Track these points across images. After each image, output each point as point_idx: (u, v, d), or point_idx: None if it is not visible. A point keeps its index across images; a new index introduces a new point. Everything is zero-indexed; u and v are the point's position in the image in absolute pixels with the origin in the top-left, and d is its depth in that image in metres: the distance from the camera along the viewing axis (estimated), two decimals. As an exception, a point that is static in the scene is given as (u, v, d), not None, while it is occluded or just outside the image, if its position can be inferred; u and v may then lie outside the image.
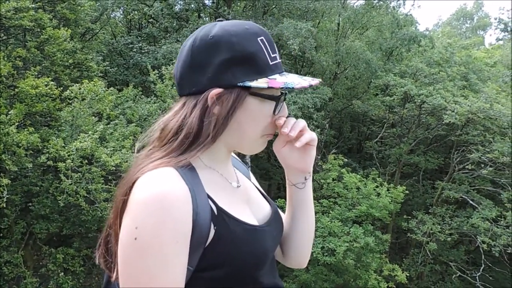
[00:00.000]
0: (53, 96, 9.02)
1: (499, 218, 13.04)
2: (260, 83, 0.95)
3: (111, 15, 16.42)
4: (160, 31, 14.68)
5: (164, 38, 13.90)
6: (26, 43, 9.83)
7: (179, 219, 0.84)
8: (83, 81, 9.41)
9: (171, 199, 0.85)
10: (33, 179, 9.09)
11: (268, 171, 17.92)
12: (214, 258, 0.92)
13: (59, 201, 8.26)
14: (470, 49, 19.77)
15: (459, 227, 13.67)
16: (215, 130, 0.97)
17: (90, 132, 8.61)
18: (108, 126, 9.54)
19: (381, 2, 16.43)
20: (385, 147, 16.96)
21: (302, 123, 1.08)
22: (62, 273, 9.56)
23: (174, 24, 14.68)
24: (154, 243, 0.82)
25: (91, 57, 11.66)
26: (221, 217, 0.94)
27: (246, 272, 0.96)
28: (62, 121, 9.35)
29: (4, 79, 8.98)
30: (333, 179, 13.04)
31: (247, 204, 1.10)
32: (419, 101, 14.58)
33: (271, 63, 0.99)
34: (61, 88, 9.29)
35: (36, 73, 9.11)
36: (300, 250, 1.26)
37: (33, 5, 9.57)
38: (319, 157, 15.81)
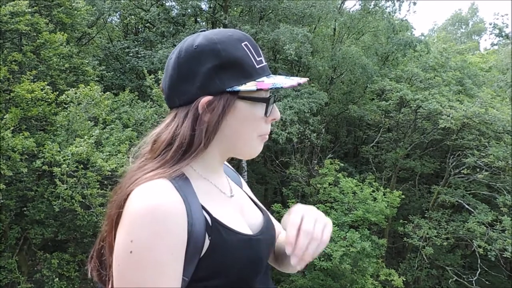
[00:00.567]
0: (49, 100, 9.00)
1: (495, 223, 13.07)
2: (249, 86, 0.97)
3: (108, 20, 16.41)
4: (156, 36, 14.68)
5: (161, 43, 13.90)
6: (22, 47, 9.81)
7: (174, 232, 0.85)
8: (79, 86, 9.39)
9: (166, 211, 0.85)
10: (28, 183, 9.05)
11: (264, 176, 17.91)
12: (209, 268, 0.92)
13: (54, 206, 8.21)
14: (465, 54, 19.94)
15: (455, 232, 13.69)
16: (207, 136, 0.98)
17: (86, 137, 8.57)
18: (104, 130, 9.51)
19: (377, 8, 16.51)
20: (381, 151, 16.99)
21: (312, 244, 0.96)
22: (57, 279, 9.48)
23: (171, 29, 14.69)
24: (150, 256, 0.83)
25: (87, 61, 11.64)
26: (216, 227, 0.94)
27: (241, 281, 0.96)
28: (58, 125, 9.31)
29: (0, 83, 8.95)
30: (330, 184, 13.05)
31: (241, 213, 1.10)
32: (414, 105, 14.63)
33: (257, 66, 1.01)
34: (57, 93, 9.27)
35: (32, 77, 9.09)
36: None
37: (29, 10, 9.55)
38: (316, 161, 15.81)
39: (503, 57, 23.54)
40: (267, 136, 1.07)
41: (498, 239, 12.43)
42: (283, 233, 1.25)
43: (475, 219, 13.19)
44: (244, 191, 1.26)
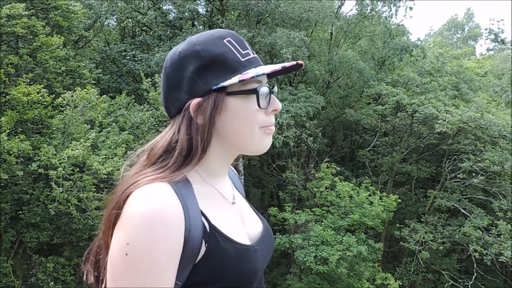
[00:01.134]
0: (45, 103, 8.97)
1: (490, 227, 13.10)
2: (232, 80, 0.97)
3: (105, 23, 16.40)
4: (153, 39, 14.68)
5: (158, 46, 13.90)
6: (19, 50, 9.79)
7: (171, 237, 0.85)
8: (75, 89, 9.37)
9: (164, 216, 0.85)
10: (23, 187, 9.00)
11: (261, 179, 17.91)
12: (204, 275, 0.92)
13: (50, 209, 8.17)
14: (461, 59, 20.06)
15: (451, 236, 13.71)
16: (203, 138, 0.98)
17: (82, 140, 8.55)
18: (101, 133, 9.49)
19: (374, 12, 16.59)
20: (377, 155, 17.03)
21: None
22: (52, 282, 9.41)
23: (168, 32, 14.70)
24: (145, 259, 0.83)
25: (84, 64, 11.62)
26: (213, 235, 0.94)
27: None
28: (54, 128, 9.28)
29: (-4, 86, 8.93)
30: (326, 188, 13.06)
31: (241, 221, 1.09)
32: (411, 110, 14.69)
33: (243, 60, 1.00)
34: (53, 96, 9.24)
35: (28, 80, 9.07)
36: None
37: (26, 12, 9.55)
38: (312, 165, 15.83)
39: (499, 62, 23.69)
40: (273, 128, 1.06)
41: (494, 244, 12.46)
42: None
43: (471, 223, 13.22)
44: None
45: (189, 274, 0.91)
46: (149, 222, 0.84)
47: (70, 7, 11.25)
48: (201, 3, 15.38)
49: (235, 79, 0.96)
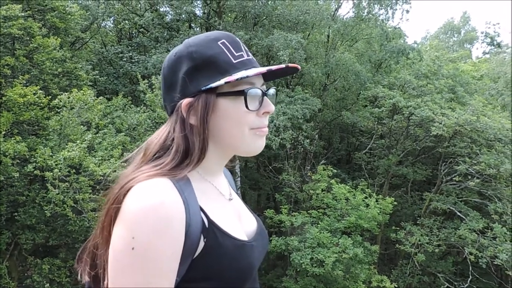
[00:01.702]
0: (41, 105, 8.95)
1: (486, 230, 13.14)
2: (220, 81, 0.97)
3: (102, 24, 16.38)
4: (150, 41, 14.68)
5: (155, 48, 13.90)
6: (15, 52, 9.76)
7: (174, 231, 0.86)
8: (72, 90, 9.35)
9: (168, 209, 0.86)
10: (19, 188, 8.96)
11: (257, 182, 17.90)
12: (201, 270, 0.93)
13: (46, 211, 8.15)
14: (457, 62, 20.15)
15: (446, 239, 13.75)
16: (200, 141, 0.99)
17: (78, 141, 8.53)
18: (97, 135, 9.46)
19: (370, 15, 16.65)
20: (374, 158, 17.06)
21: None
22: (48, 284, 9.38)
23: (165, 34, 14.71)
24: (151, 253, 0.84)
25: (80, 66, 11.60)
26: (212, 230, 0.95)
27: (231, 286, 0.97)
28: (50, 130, 9.26)
29: (-8, 87, 8.90)
30: (322, 190, 13.07)
31: (238, 218, 1.11)
32: (407, 113, 14.73)
33: (235, 61, 1.01)
34: (50, 97, 9.22)
35: (25, 82, 9.04)
36: None
37: (23, 14, 9.52)
38: (309, 167, 15.84)
39: (495, 65, 23.81)
40: (265, 130, 1.06)
41: (489, 246, 12.50)
42: None
43: (467, 226, 13.26)
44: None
45: (187, 269, 0.92)
46: (152, 216, 0.84)
47: (67, 9, 11.24)
48: (198, 5, 15.40)
49: (222, 81, 0.97)
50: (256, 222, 1.19)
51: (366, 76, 15.71)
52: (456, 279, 14.57)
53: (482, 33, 24.79)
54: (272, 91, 1.09)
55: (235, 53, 1.02)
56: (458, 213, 14.09)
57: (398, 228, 14.53)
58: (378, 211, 12.24)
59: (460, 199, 14.71)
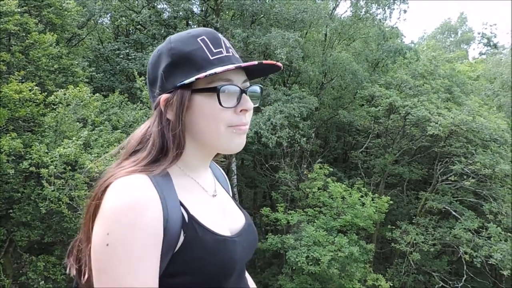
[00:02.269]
0: (37, 101, 8.90)
1: (481, 229, 13.22)
2: (191, 78, 0.97)
3: (98, 21, 16.30)
4: (147, 38, 14.63)
5: (152, 45, 13.85)
6: (11, 47, 9.70)
7: (149, 224, 0.86)
8: (68, 87, 9.29)
9: (141, 205, 0.87)
10: (14, 185, 8.92)
11: (254, 179, 17.91)
12: (182, 264, 0.94)
13: (41, 208, 8.11)
14: (454, 62, 20.20)
15: (442, 238, 13.81)
16: (175, 137, 1.00)
17: (74, 138, 8.49)
18: (93, 132, 9.43)
19: (368, 15, 16.66)
20: (370, 157, 17.10)
21: None
22: (43, 282, 9.35)
23: (162, 31, 14.64)
24: (125, 249, 0.84)
25: (77, 62, 11.54)
26: (192, 225, 0.96)
27: (212, 281, 0.97)
28: (46, 126, 9.21)
29: (-13, 83, 8.84)
30: (319, 189, 13.09)
31: (222, 214, 1.11)
32: (403, 112, 14.77)
33: (211, 58, 1.00)
34: (46, 93, 9.17)
35: (20, 78, 8.99)
36: None
37: (19, 9, 9.46)
38: (305, 166, 15.86)
39: (491, 66, 23.91)
40: (244, 128, 1.03)
41: (484, 246, 12.57)
42: None
43: (462, 225, 13.34)
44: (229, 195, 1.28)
45: (167, 264, 0.92)
46: (127, 212, 0.85)
47: (63, 5, 11.17)
48: (196, 3, 15.36)
49: (193, 78, 0.96)
50: (244, 218, 1.19)
51: (363, 75, 15.73)
52: (451, 278, 14.66)
53: (478, 33, 24.96)
54: (254, 88, 1.06)
55: (213, 49, 1.01)
56: (454, 213, 14.16)
57: (393, 227, 14.59)
58: (374, 210, 12.28)
59: (456, 199, 14.78)
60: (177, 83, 0.98)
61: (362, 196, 12.72)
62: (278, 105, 12.87)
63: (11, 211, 9.02)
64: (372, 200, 12.70)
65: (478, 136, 14.01)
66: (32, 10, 10.84)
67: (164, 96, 1.00)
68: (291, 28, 14.38)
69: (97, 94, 10.24)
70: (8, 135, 8.26)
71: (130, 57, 13.59)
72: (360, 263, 11.76)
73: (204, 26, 15.11)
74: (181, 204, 0.97)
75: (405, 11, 18.64)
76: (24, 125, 9.67)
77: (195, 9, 15.46)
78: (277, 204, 13.59)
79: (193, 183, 1.07)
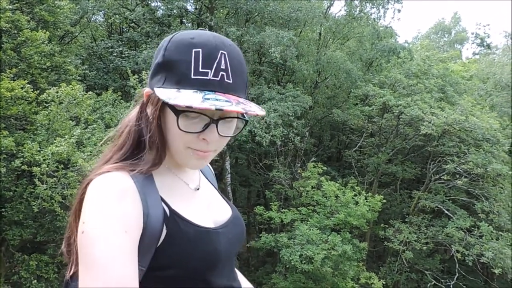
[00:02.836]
0: (29, 99, 8.83)
1: (472, 228, 13.32)
2: (161, 91, 0.92)
3: (92, 19, 16.20)
4: (141, 36, 14.56)
5: (145, 43, 13.79)
6: (2, 45, 9.61)
7: (124, 215, 0.88)
8: (60, 85, 9.23)
9: (117, 196, 0.89)
10: (6, 184, 8.85)
11: (248, 178, 17.92)
12: (165, 258, 0.94)
13: (33, 207, 8.06)
14: (447, 62, 20.27)
15: (434, 236, 13.90)
16: (151, 135, 1.00)
17: (66, 137, 8.44)
18: (86, 130, 9.38)
19: (362, 14, 16.69)
20: (363, 156, 17.16)
21: None
22: (35, 281, 9.29)
23: (156, 29, 14.59)
24: (98, 234, 0.84)
25: (69, 60, 11.46)
26: (173, 219, 0.97)
27: (196, 273, 0.98)
28: (38, 124, 9.15)
29: (-21, 80, 8.74)
30: (312, 187, 13.12)
31: (206, 207, 1.12)
32: (397, 111, 14.83)
33: (193, 77, 0.92)
34: (38, 91, 9.10)
35: (12, 76, 8.91)
36: None
37: (10, 6, 9.38)
38: (299, 165, 15.88)
39: (484, 66, 24.04)
40: (203, 154, 0.99)
41: (476, 245, 12.68)
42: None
43: (454, 224, 13.43)
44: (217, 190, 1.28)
45: (152, 258, 0.93)
46: (103, 202, 0.88)
47: (56, 2, 11.09)
48: (190, 1, 15.29)
49: (161, 92, 0.91)
50: (230, 211, 1.19)
51: (357, 75, 15.77)
52: (443, 277, 14.76)
53: (472, 34, 25.09)
54: (228, 122, 0.98)
55: (200, 68, 0.92)
56: (446, 212, 14.25)
57: (386, 226, 14.66)
58: (367, 209, 12.33)
59: (448, 198, 14.88)
60: (156, 86, 0.96)
61: (355, 195, 12.77)
62: (272, 103, 12.87)
63: (3, 210, 8.95)
64: (366, 199, 12.75)
65: (471, 136, 14.10)
66: (24, 7, 10.75)
67: (148, 91, 1.00)
68: (286, 27, 14.38)
69: (90, 92, 10.17)
70: (-1, 133, 8.20)
71: (123, 55, 13.52)
72: (353, 261, 11.81)
73: (198, 24, 15.07)
74: (162, 200, 0.97)
75: (399, 11, 18.73)
76: (16, 123, 9.59)
77: (189, 7, 15.41)
78: (270, 203, 13.61)
79: (175, 178, 1.08)
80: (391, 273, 14.66)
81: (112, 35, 16.20)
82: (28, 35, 9.53)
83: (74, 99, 9.12)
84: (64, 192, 8.17)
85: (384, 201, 13.43)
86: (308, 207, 12.87)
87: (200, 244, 0.98)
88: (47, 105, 9.04)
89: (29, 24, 9.93)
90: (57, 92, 8.90)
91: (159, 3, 15.26)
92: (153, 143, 0.99)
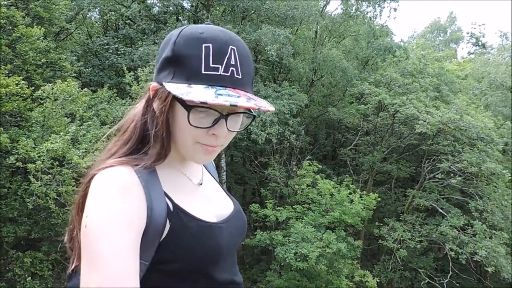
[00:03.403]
0: (24, 95, 8.78)
1: (466, 227, 13.40)
2: (172, 86, 0.92)
3: (87, 15, 16.13)
4: (137, 33, 14.51)
5: (141, 40, 13.74)
6: (-3, 41, 9.56)
7: (128, 209, 0.88)
8: (56, 81, 9.18)
9: (121, 190, 0.89)
10: (1, 180, 8.80)
11: (243, 176, 17.92)
12: (168, 252, 0.95)
13: (28, 204, 8.03)
14: (442, 61, 20.34)
15: (428, 235, 13.97)
16: (159, 138, 1.00)
17: (62, 133, 8.40)
18: (81, 127, 9.34)
19: (358, 12, 16.73)
20: (359, 154, 17.21)
21: None
22: (30, 278, 9.25)
23: (152, 26, 14.54)
24: (102, 229, 0.85)
25: (65, 57, 11.40)
26: (177, 213, 0.97)
27: (199, 267, 0.99)
28: (33, 121, 9.10)
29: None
30: (308, 185, 13.14)
31: (208, 202, 1.12)
32: (392, 110, 14.87)
33: (203, 72, 0.92)
34: (33, 88, 9.05)
35: (7, 72, 8.86)
36: None
37: (5, 2, 9.33)
38: (294, 163, 15.91)
39: (479, 65, 24.15)
40: (211, 149, 1.00)
41: (469, 243, 12.76)
42: None
43: (448, 223, 13.50)
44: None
45: (156, 252, 0.94)
46: (106, 196, 0.88)
47: (51, -2, 11.04)
48: (186, -2, 15.26)
49: (173, 88, 0.91)
50: (232, 205, 1.21)
51: (353, 73, 15.80)
52: (436, 275, 14.85)
53: (467, 33, 25.18)
54: (235, 118, 1.00)
55: (211, 63, 0.93)
56: (440, 210, 14.33)
57: (381, 224, 14.72)
58: (362, 207, 12.37)
59: (442, 196, 14.95)
60: (165, 80, 0.96)
61: (350, 193, 12.80)
62: (268, 101, 12.83)
63: (-3, 206, 8.92)
64: (360, 197, 12.79)
65: (465, 135, 14.18)
66: (19, 3, 10.68)
67: (156, 86, 0.99)
68: (282, 25, 14.38)
69: (86, 89, 10.14)
70: (-6, 129, 8.15)
71: (119, 52, 13.47)
72: (347, 259, 11.85)
73: (194, 21, 15.04)
74: (166, 195, 0.98)
75: (395, 9, 18.74)
76: (11, 119, 9.54)
77: (185, 4, 15.36)
78: (266, 201, 13.62)
79: (178, 173, 1.08)
80: (385, 271, 14.73)
81: (108, 32, 16.14)
82: (23, 31, 9.47)
83: (70, 96, 9.08)
84: (59, 189, 8.13)
85: (379, 199, 13.48)
86: (303, 205, 12.90)
87: (203, 239, 0.99)
88: (42, 101, 9.00)
89: (24, 20, 9.87)
90: (52, 88, 8.86)
91: (155, 0, 15.21)
92: (159, 137, 0.99)
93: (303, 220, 12.11)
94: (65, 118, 9.28)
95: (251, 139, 13.18)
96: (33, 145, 8.13)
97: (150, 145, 1.01)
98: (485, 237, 12.81)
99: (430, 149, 15.22)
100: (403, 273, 15.15)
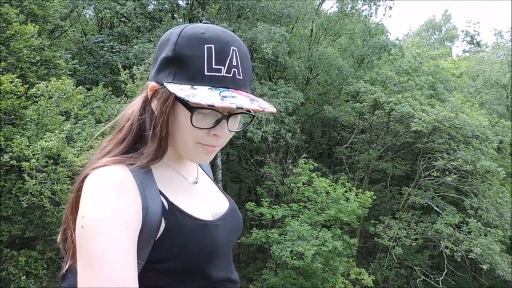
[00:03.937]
0: (18, 93, 8.72)
1: (461, 224, 13.46)
2: (176, 88, 0.91)
3: (82, 13, 16.04)
4: (132, 31, 14.45)
5: (136, 38, 13.69)
6: (-9, 38, 9.49)
7: (123, 209, 0.87)
8: (50, 79, 9.12)
9: (116, 189, 0.88)
10: (-6, 179, 8.76)
11: (239, 174, 17.91)
12: (164, 251, 0.94)
13: (22, 202, 7.98)
14: (438, 59, 20.40)
15: (424, 232, 14.03)
16: (156, 125, 0.98)
17: (56, 131, 8.35)
18: (76, 125, 9.29)
19: (354, 11, 16.73)
20: (354, 152, 17.25)
21: None
22: (24, 277, 9.21)
23: (147, 24, 14.49)
24: (99, 230, 0.84)
25: (59, 54, 11.33)
26: (172, 212, 0.96)
27: (195, 265, 0.98)
28: (27, 119, 9.04)
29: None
30: (303, 183, 13.15)
31: (204, 200, 1.12)
32: (388, 108, 14.90)
33: (206, 73, 0.92)
34: (27, 86, 8.99)
35: (1, 70, 8.80)
36: None
37: (-1, -1, 9.25)
38: (290, 161, 15.91)
39: (474, 64, 24.24)
40: (212, 149, 1.01)
41: (464, 241, 12.82)
42: None
43: (443, 220, 13.56)
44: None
45: (151, 251, 0.93)
46: (101, 196, 0.87)
47: (46, -5, 10.96)
48: (182, -5, 15.22)
49: (177, 89, 0.91)
50: (228, 203, 1.21)
51: (349, 71, 15.82)
52: (432, 272, 14.92)
53: (462, 31, 25.26)
54: (235, 119, 1.00)
55: (214, 64, 0.92)
56: (435, 208, 14.39)
57: (377, 222, 14.76)
58: (358, 205, 12.40)
59: (438, 194, 15.01)
60: (166, 81, 0.95)
61: (346, 191, 12.83)
62: (264, 99, 12.85)
63: (-9, 205, 8.86)
64: (356, 195, 12.82)
65: (461, 133, 14.23)
66: (13, 0, 10.60)
67: (155, 86, 0.98)
68: (277, 23, 14.37)
69: (80, 87, 10.07)
70: (-12, 128, 8.10)
71: (114, 50, 13.40)
72: (343, 257, 11.87)
73: (190, 19, 15.00)
74: (161, 193, 0.97)
75: (390, 8, 18.79)
76: (5, 117, 9.47)
77: (180, 2, 15.33)
78: (261, 199, 13.62)
79: (173, 172, 1.07)
80: (380, 269, 14.78)
81: (103, 30, 16.07)
82: (17, 29, 9.40)
83: (64, 94, 9.02)
84: (54, 188, 8.09)
85: (375, 197, 13.51)
86: (299, 203, 12.91)
87: (198, 237, 0.98)
88: (36, 99, 8.93)
89: (18, 17, 9.80)
90: (46, 86, 8.79)
91: (150, -2, 15.15)
92: (157, 137, 0.98)
93: (299, 218, 12.13)
94: (60, 116, 9.22)
95: (247, 137, 13.18)
96: (28, 143, 8.08)
97: (147, 144, 1.00)
98: (480, 235, 12.87)
99: (425, 147, 15.27)
100: (398, 270, 15.21)
